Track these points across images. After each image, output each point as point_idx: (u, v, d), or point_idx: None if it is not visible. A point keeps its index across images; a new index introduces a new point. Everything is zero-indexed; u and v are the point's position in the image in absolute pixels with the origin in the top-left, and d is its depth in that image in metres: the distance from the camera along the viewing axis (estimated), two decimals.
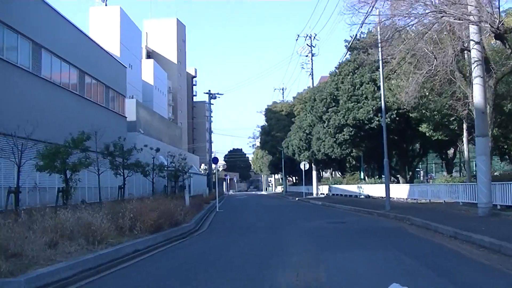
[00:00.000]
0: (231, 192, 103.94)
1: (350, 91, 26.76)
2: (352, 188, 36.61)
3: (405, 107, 22.49)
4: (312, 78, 48.26)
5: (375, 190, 31.17)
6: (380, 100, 25.00)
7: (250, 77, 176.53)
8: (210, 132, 55.80)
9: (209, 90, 50.88)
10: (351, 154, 32.78)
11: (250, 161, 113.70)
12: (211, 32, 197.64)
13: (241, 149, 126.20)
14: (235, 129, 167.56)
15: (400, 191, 27.21)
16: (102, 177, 18.79)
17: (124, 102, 35.88)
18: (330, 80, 29.60)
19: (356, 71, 27.53)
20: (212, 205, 28.32)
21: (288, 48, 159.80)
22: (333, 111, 27.67)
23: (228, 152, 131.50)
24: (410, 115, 23.83)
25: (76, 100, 26.57)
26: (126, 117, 35.96)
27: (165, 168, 30.51)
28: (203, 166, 78.31)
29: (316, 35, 52.59)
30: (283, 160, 57.03)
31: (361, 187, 34.37)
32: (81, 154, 15.67)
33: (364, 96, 26.35)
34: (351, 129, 26.99)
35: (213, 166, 45.45)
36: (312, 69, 48.88)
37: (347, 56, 29.64)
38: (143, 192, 31.98)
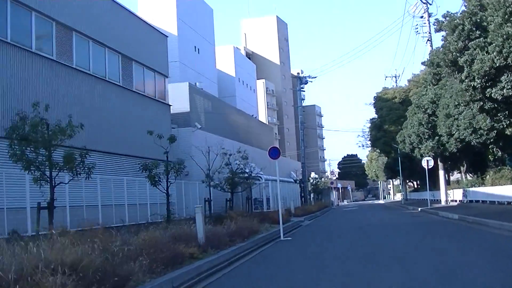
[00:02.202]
0: (345, 202, 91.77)
1: (508, 4, 14.10)
2: (503, 190, 24.23)
3: None
4: (431, 46, 35.95)
5: None
6: None
7: (355, 57, 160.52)
8: (299, 120, 45.10)
9: (298, 73, 40.47)
10: (506, 131, 19.29)
11: (365, 167, 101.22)
12: (312, 23, 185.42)
13: (356, 154, 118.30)
14: (348, 131, 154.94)
15: None
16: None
17: (165, 84, 26.26)
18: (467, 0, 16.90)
19: None
20: (286, 227, 17.66)
21: (397, 13, 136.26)
22: (477, 45, 14.97)
23: (342, 158, 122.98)
24: None
25: (56, 70, 17.28)
26: (169, 105, 26.32)
27: (208, 172, 19.78)
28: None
29: None
30: (399, 159, 46.34)
31: None
32: None
33: None
34: None
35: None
36: (430, 33, 37.51)
37: None
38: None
